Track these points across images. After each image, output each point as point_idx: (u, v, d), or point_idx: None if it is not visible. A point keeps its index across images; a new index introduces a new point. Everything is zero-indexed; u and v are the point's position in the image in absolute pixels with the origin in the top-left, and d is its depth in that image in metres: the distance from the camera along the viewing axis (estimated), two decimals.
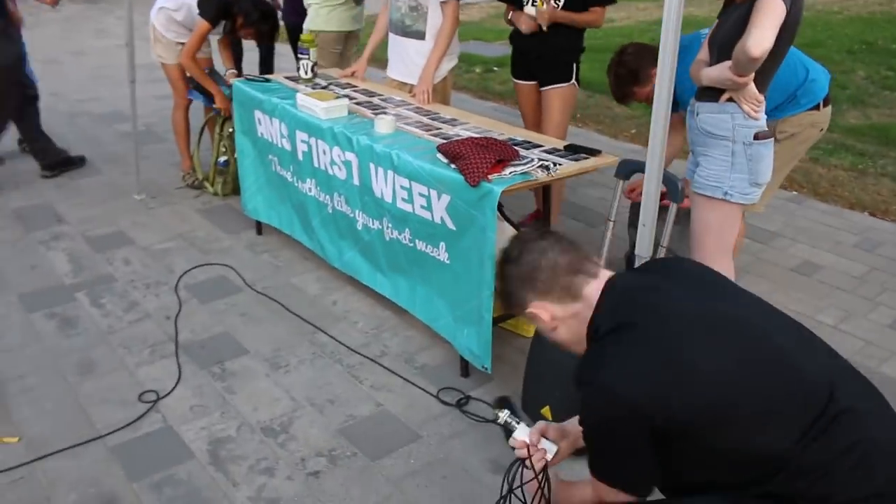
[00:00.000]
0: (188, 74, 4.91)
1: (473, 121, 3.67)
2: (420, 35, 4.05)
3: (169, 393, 3.06)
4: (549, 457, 1.86)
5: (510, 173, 2.87)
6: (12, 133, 5.80)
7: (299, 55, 4.30)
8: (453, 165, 2.92)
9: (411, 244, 3.22)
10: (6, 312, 3.63)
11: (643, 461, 1.58)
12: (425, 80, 3.97)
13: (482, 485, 2.62)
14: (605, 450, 1.63)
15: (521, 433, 1.89)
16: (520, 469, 1.89)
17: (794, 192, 5.28)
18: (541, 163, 2.95)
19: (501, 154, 2.90)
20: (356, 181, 3.41)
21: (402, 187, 3.15)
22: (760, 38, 2.45)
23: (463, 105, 7.16)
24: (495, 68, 8.70)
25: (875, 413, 1.57)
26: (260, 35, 4.89)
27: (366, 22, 5.35)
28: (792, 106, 3.38)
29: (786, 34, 2.57)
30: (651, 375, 1.50)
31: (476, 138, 3.03)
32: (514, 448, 1.91)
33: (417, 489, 2.60)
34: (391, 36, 4.23)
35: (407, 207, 3.16)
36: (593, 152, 3.19)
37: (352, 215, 3.53)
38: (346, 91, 4.09)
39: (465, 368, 3.18)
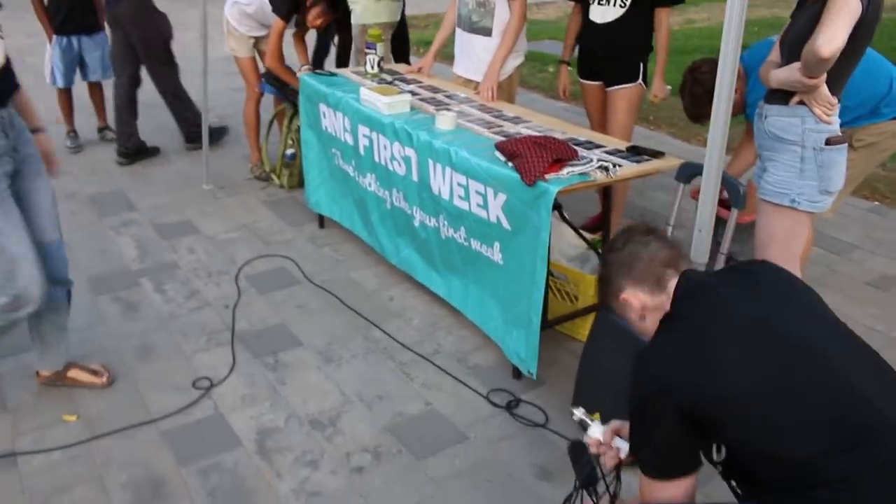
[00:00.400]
0: (261, 68, 4.98)
1: (537, 119, 3.62)
2: (487, 31, 4.01)
3: (222, 381, 3.10)
4: (623, 455, 1.88)
5: (568, 173, 2.81)
6: (92, 121, 6.01)
7: (366, 50, 4.31)
8: (511, 164, 2.88)
9: (466, 243, 3.19)
10: (75, 294, 3.71)
11: (673, 444, 1.63)
12: (490, 77, 3.93)
13: (527, 489, 2.57)
14: (642, 430, 1.69)
15: (596, 431, 1.92)
16: (592, 467, 1.93)
17: (876, 203, 5.06)
18: (600, 163, 2.88)
19: (559, 153, 2.84)
20: (415, 177, 3.39)
21: (458, 184, 3.12)
22: (831, 37, 2.32)
23: (534, 105, 7.11)
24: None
25: None
26: (330, 20, 4.83)
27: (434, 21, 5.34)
28: (874, 116, 3.22)
29: (861, 34, 2.44)
30: (680, 359, 1.61)
31: (535, 137, 2.98)
32: (587, 445, 1.94)
33: (461, 491, 2.56)
34: (458, 32, 4.20)
35: (463, 205, 3.12)
36: (657, 154, 3.10)
37: (409, 212, 3.51)
38: (411, 87, 4.08)
39: (518, 371, 3.13)
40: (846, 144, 2.70)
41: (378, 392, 3.05)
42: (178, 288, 3.81)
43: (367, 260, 4.10)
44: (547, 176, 2.76)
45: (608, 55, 4.01)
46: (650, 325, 1.81)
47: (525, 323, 2.93)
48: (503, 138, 3.15)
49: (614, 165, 2.89)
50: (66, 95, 5.76)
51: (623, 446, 1.87)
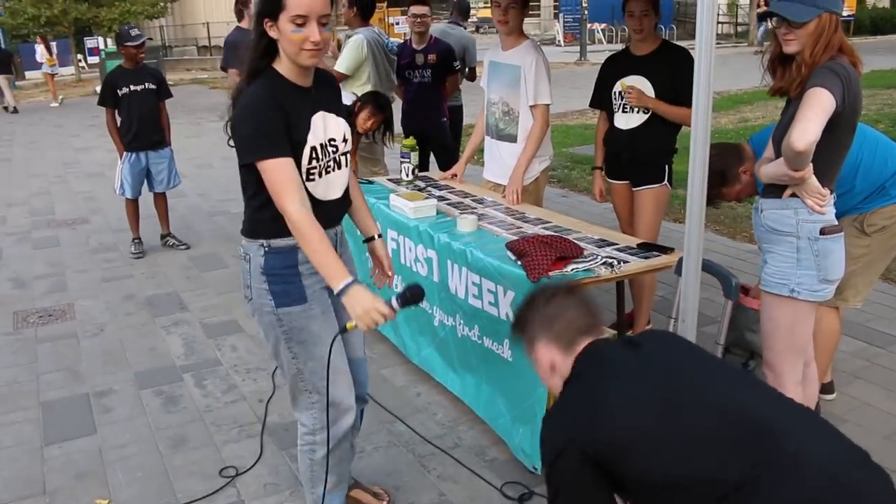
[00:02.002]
0: None
1: (557, 220, 3.77)
2: (512, 138, 4.25)
3: (247, 470, 3.24)
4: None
5: (572, 269, 2.94)
6: (156, 229, 6.43)
7: (401, 159, 4.58)
8: (519, 262, 3.03)
9: (479, 341, 3.32)
10: (122, 388, 3.98)
11: (587, 497, 1.78)
12: (514, 181, 4.13)
13: None
14: (557, 491, 1.81)
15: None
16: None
17: None
18: (604, 260, 3.00)
19: (564, 251, 2.98)
20: (436, 277, 3.57)
21: (473, 283, 3.27)
22: (803, 130, 2.44)
23: (581, 206, 7.29)
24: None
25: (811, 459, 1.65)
26: (380, 121, 4.95)
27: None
28: (881, 198, 3.28)
29: (841, 127, 2.56)
30: (576, 410, 1.80)
31: (542, 236, 3.13)
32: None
33: None
34: (487, 139, 4.45)
35: (477, 303, 3.27)
36: (665, 250, 3.21)
37: (430, 311, 3.68)
38: (443, 192, 4.31)
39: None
40: (842, 234, 2.77)
41: (395, 483, 3.14)
42: (217, 383, 4.02)
43: (397, 358, 4.25)
44: (551, 273, 2.90)
45: (633, 158, 4.19)
46: (557, 382, 1.98)
47: (530, 418, 3.01)
48: (514, 238, 3.31)
49: (619, 262, 3.02)
50: (133, 206, 6.21)
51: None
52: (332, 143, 2.42)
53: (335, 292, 2.23)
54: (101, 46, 22.75)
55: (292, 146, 2.28)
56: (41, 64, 19.74)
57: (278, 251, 2.39)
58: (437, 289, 3.58)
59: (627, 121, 4.13)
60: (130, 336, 4.64)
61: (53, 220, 7.58)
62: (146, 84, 6.04)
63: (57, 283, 5.65)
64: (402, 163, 4.59)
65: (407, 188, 4.42)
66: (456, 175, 4.66)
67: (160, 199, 6.36)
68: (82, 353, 4.44)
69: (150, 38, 16.38)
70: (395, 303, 2.23)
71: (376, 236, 2.78)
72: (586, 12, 26.87)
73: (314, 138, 2.35)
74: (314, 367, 2.47)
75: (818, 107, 2.47)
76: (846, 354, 4.08)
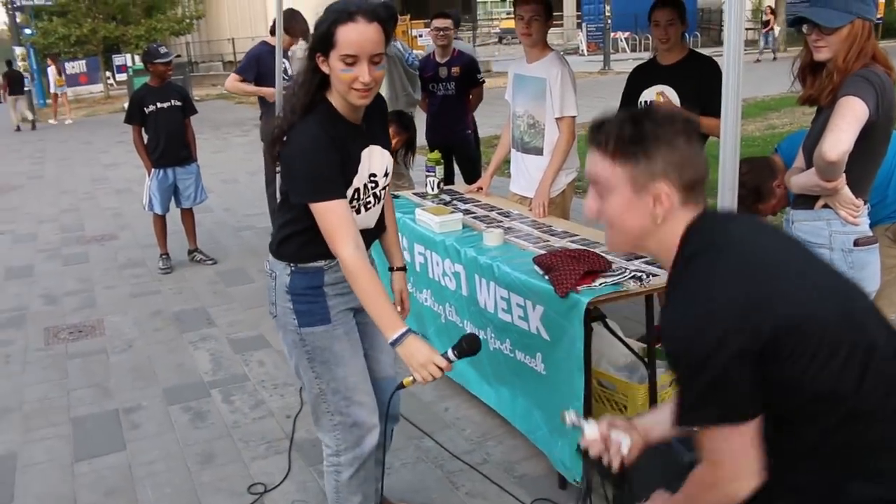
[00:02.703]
0: None
1: (584, 233, 3.73)
2: (538, 151, 4.22)
3: (275, 487, 3.23)
4: (625, 450, 1.78)
5: (600, 284, 2.91)
6: (183, 244, 6.47)
7: (427, 173, 4.57)
8: (547, 276, 3.00)
9: (512, 354, 3.29)
10: (150, 405, 4.00)
11: (738, 383, 1.44)
12: (541, 194, 4.10)
13: None
14: (705, 372, 1.44)
15: (593, 430, 1.82)
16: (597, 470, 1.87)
17: None
18: (633, 273, 2.97)
19: (592, 265, 2.95)
20: (464, 292, 3.55)
21: (502, 298, 3.25)
22: (836, 140, 2.39)
23: None
24: None
25: None
26: (405, 140, 5.03)
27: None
28: None
29: (875, 136, 2.52)
30: (748, 281, 1.46)
31: (570, 250, 3.11)
32: (587, 449, 1.85)
33: None
34: (513, 152, 4.43)
35: (507, 318, 3.25)
36: None
37: (461, 325, 3.66)
38: (469, 205, 4.30)
39: (563, 481, 3.15)
40: (877, 245, 2.71)
41: (423, 500, 3.12)
42: (245, 398, 4.02)
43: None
44: (579, 287, 2.87)
45: None
46: (651, 243, 1.63)
47: (568, 431, 2.97)
48: (543, 252, 3.29)
49: (648, 275, 2.98)
50: (161, 221, 6.26)
51: (623, 439, 1.79)
52: (373, 178, 2.40)
53: (388, 341, 2.18)
54: (129, 63, 23.05)
55: (347, 185, 2.27)
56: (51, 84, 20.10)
57: (304, 272, 2.38)
58: (467, 303, 3.56)
59: None
60: (158, 352, 4.66)
61: (83, 236, 7.67)
62: (172, 101, 6.09)
63: (86, 299, 5.71)
64: (427, 176, 4.58)
65: (433, 202, 4.41)
66: (482, 188, 4.64)
67: (187, 215, 6.40)
68: (111, 368, 4.47)
69: (178, 56, 16.61)
70: (451, 355, 2.17)
71: (395, 268, 2.77)
72: (610, 21, 26.83)
73: (359, 179, 2.33)
74: (336, 387, 2.45)
75: (851, 116, 2.42)
76: None
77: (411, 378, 2.20)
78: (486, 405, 3.74)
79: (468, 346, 2.20)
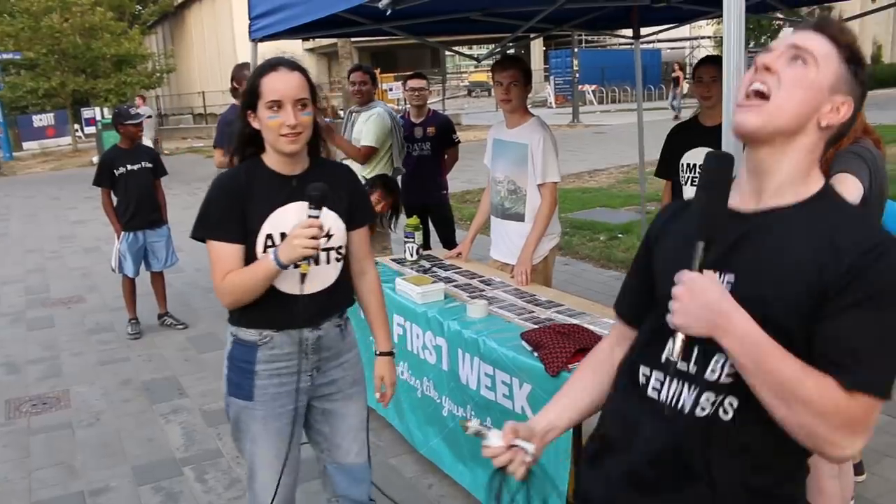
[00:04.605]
0: None
1: (569, 302, 3.66)
2: (520, 217, 4.17)
3: None
4: (529, 457, 1.71)
5: None
6: (154, 308, 6.30)
7: (405, 238, 4.49)
8: (536, 353, 2.91)
9: None
10: (118, 485, 3.81)
11: None
12: (523, 261, 4.03)
13: None
14: None
15: (495, 439, 1.72)
16: (502, 480, 1.75)
17: None
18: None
19: (582, 342, 2.86)
20: (445, 366, 3.45)
21: (486, 374, 3.15)
22: None
23: (584, 274, 7.21)
24: (620, 235, 8.68)
25: None
26: (391, 204, 4.94)
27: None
28: None
29: (870, 211, 2.50)
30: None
31: (559, 325, 3.02)
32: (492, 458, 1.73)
33: None
34: (493, 218, 4.37)
35: (490, 395, 3.14)
36: None
37: (438, 401, 3.54)
38: (449, 272, 4.21)
39: None
40: None
41: None
42: (219, 477, 3.85)
43: (406, 446, 4.09)
44: (570, 366, 2.78)
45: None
46: (811, 147, 1.44)
47: None
48: (533, 325, 3.21)
49: None
50: (130, 284, 6.10)
51: (526, 446, 1.71)
52: None
53: (272, 258, 2.22)
54: (98, 117, 22.93)
55: (246, 233, 2.32)
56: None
57: (242, 343, 2.43)
58: (447, 377, 3.45)
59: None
60: (128, 425, 4.47)
61: (48, 298, 7.46)
62: (142, 163, 5.98)
63: (51, 368, 5.50)
64: (406, 242, 4.50)
65: (412, 269, 4.32)
66: (461, 254, 4.57)
67: (157, 278, 6.25)
68: (77, 445, 4.28)
69: (150, 116, 16.47)
70: (311, 212, 2.22)
71: (380, 353, 2.70)
72: (577, 75, 27.28)
73: (272, 227, 2.32)
74: (246, 458, 2.54)
75: (846, 195, 2.40)
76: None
77: (306, 265, 2.25)
78: None
79: (317, 195, 2.22)
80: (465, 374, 3.29)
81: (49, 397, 4.97)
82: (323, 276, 2.43)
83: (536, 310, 3.54)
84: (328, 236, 2.40)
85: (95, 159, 5.71)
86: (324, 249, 2.40)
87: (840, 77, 1.41)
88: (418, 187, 6.03)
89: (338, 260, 2.46)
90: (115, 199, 5.97)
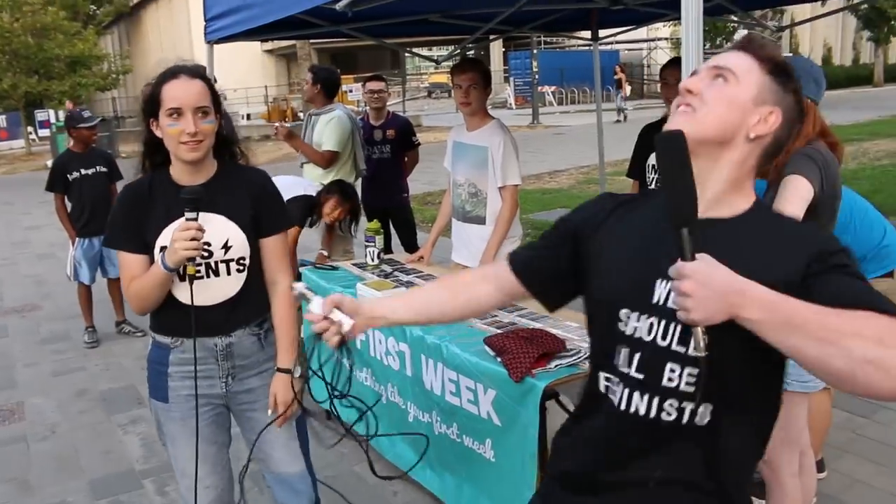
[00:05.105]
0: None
1: (533, 305, 3.65)
2: (481, 220, 4.16)
3: None
4: (345, 329, 1.70)
5: (556, 366, 2.82)
6: (111, 315, 6.18)
7: (366, 243, 4.45)
8: (499, 359, 2.90)
9: (459, 439, 3.16)
10: (75, 500, 3.72)
11: None
12: (485, 264, 4.02)
13: None
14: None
15: (316, 306, 1.73)
16: (315, 346, 1.78)
17: None
18: (588, 353, 2.88)
19: (546, 347, 2.86)
20: (409, 372, 3.42)
21: (450, 380, 3.13)
22: None
23: None
24: None
25: None
26: (348, 210, 4.93)
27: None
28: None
29: (822, 211, 2.56)
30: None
31: (522, 330, 3.02)
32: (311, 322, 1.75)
33: None
34: (454, 221, 4.36)
35: (455, 401, 3.13)
36: None
37: (403, 407, 3.52)
38: (411, 276, 4.19)
39: None
40: None
41: None
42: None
43: (371, 453, 4.05)
44: (534, 371, 2.77)
45: None
46: (743, 155, 1.47)
47: None
48: (496, 330, 3.19)
49: None
50: (86, 292, 5.98)
51: (344, 320, 1.70)
52: (206, 247, 2.31)
53: (160, 263, 2.24)
54: (52, 119, 22.47)
55: (145, 244, 2.33)
56: None
57: (158, 346, 2.46)
58: (411, 383, 3.42)
59: None
60: (84, 438, 4.37)
61: (1, 307, 7.28)
62: (97, 167, 5.87)
63: (5, 379, 5.37)
64: (366, 247, 4.46)
65: (373, 273, 4.29)
66: (423, 257, 4.55)
67: (114, 285, 6.11)
68: (32, 459, 4.17)
69: (104, 119, 16.17)
70: (189, 214, 2.21)
71: (279, 370, 2.53)
72: (537, 76, 27.41)
73: (166, 238, 2.28)
74: (172, 460, 2.58)
75: (796, 194, 2.48)
76: (831, 427, 3.99)
77: (193, 267, 2.25)
78: None
79: (191, 196, 2.21)
80: (430, 379, 3.27)
81: (2, 410, 4.84)
82: (223, 288, 2.40)
83: (499, 314, 3.53)
84: (227, 248, 2.37)
85: (50, 163, 5.58)
86: (223, 261, 2.37)
87: (764, 88, 1.46)
88: (378, 190, 6.00)
89: (239, 271, 2.41)
90: (69, 205, 5.84)
